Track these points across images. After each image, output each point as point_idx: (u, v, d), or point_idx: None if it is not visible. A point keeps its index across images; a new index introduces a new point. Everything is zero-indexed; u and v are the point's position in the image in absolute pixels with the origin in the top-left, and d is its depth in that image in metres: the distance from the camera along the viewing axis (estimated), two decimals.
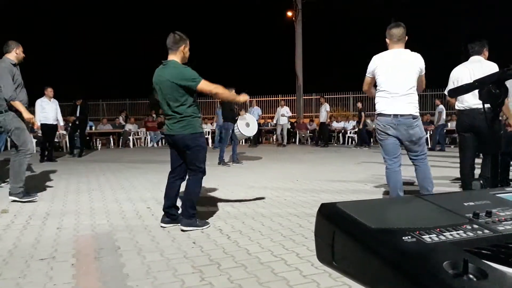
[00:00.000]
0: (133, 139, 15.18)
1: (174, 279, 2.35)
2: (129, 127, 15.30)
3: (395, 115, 3.50)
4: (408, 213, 0.86)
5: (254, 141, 14.60)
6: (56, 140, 11.21)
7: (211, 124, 15.92)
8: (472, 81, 1.33)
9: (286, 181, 5.99)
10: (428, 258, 0.60)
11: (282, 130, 14.59)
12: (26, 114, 4.57)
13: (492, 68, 3.92)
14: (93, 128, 15.11)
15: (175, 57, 3.43)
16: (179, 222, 3.46)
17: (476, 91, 1.31)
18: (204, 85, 3.35)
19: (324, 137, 14.32)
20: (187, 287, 2.24)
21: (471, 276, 0.55)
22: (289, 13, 19.50)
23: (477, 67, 3.99)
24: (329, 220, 0.80)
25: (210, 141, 14.76)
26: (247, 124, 8.48)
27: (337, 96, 20.95)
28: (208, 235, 3.26)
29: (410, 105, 3.49)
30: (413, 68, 3.49)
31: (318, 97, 17.51)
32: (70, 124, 10.97)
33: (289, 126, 15.53)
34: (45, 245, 3.02)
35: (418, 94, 3.58)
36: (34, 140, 9.12)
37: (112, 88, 25.99)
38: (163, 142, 15.13)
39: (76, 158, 10.25)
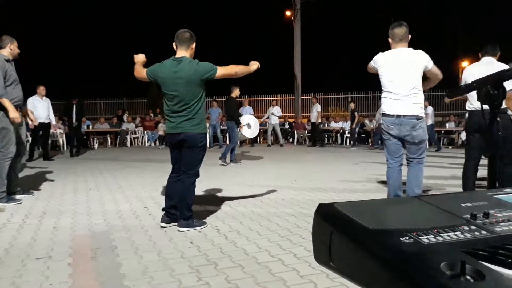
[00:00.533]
0: (130, 138, 15.14)
1: (171, 279, 2.34)
2: (126, 126, 15.27)
3: (398, 116, 3.51)
4: (406, 214, 0.86)
5: (252, 141, 14.58)
6: (51, 139, 11.11)
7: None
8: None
9: (284, 181, 5.98)
10: (425, 259, 0.60)
11: (273, 129, 14.44)
12: (12, 113, 4.32)
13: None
14: (90, 127, 15.08)
15: (186, 54, 3.39)
16: None
17: None
18: (222, 70, 3.37)
19: (318, 137, 14.27)
20: (184, 287, 2.23)
21: (468, 277, 0.55)
22: (288, 13, 19.53)
23: (488, 68, 4.00)
24: (327, 220, 0.80)
25: (208, 141, 14.75)
26: (248, 125, 8.44)
27: (335, 96, 21.00)
28: (205, 235, 3.26)
29: (414, 106, 3.49)
30: (416, 68, 3.49)
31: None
32: (67, 124, 10.81)
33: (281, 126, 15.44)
34: (42, 244, 3.01)
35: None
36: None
37: (108, 85, 25.94)
38: (162, 142, 15.08)
39: (73, 157, 10.22)
